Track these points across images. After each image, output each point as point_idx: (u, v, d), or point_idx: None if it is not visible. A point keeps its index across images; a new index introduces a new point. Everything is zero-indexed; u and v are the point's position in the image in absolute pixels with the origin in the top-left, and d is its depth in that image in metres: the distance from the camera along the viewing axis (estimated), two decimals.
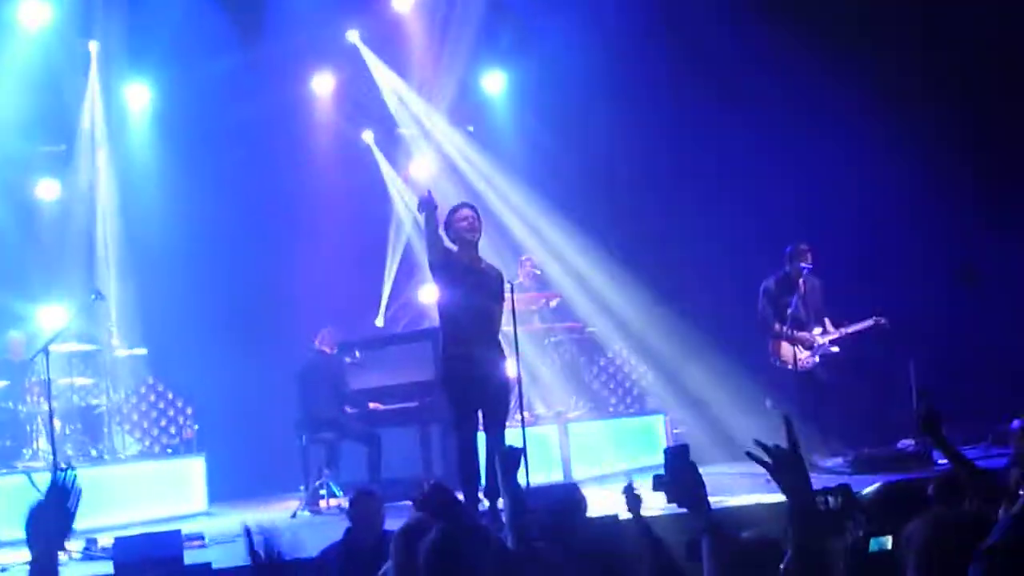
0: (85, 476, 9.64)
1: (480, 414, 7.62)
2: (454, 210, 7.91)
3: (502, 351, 7.77)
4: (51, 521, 2.93)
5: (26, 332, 10.97)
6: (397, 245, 13.45)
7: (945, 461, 3.89)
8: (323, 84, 13.53)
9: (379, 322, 12.85)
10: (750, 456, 2.81)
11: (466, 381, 7.52)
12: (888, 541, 3.05)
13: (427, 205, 7.56)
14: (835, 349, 9.96)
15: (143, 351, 11.22)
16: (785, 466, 2.76)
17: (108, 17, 11.93)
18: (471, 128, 14.03)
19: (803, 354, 9.84)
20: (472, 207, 7.99)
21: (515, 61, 13.66)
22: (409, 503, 7.27)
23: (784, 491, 2.75)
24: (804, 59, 11.41)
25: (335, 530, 6.34)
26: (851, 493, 3.80)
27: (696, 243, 12.54)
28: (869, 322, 9.90)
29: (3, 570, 6.29)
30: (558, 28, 12.88)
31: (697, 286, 12.43)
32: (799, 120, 11.71)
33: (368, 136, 13.88)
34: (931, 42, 11.42)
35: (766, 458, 2.77)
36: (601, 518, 6.90)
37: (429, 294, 11.09)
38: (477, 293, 7.58)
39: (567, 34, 12.79)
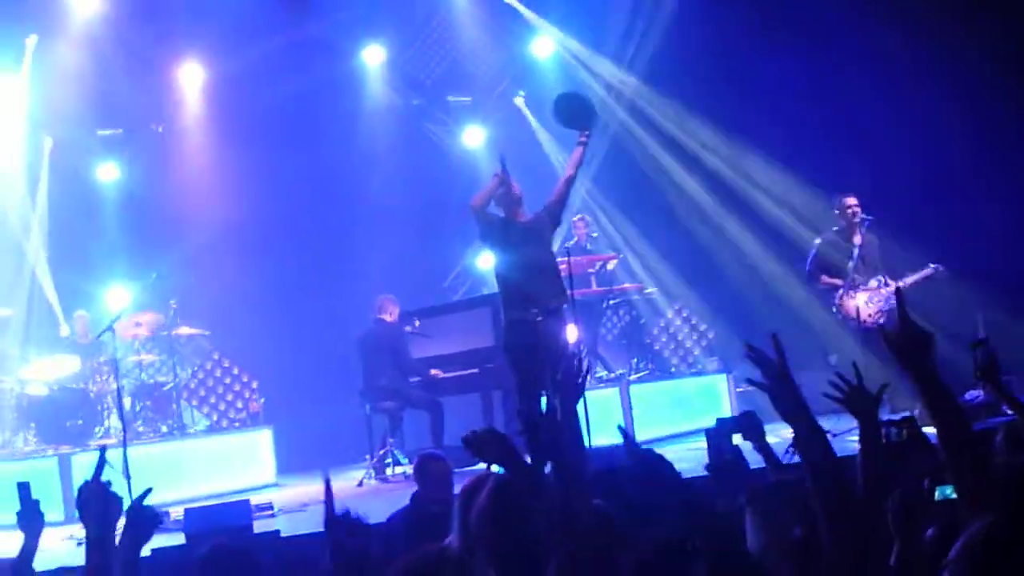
0: (156, 452, 9.80)
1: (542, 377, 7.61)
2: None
3: (564, 299, 7.66)
4: (100, 504, 3.16)
5: (92, 313, 11.19)
6: (454, 213, 13.46)
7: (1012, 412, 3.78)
8: (373, 56, 13.54)
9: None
10: (827, 396, 2.99)
11: (527, 345, 7.51)
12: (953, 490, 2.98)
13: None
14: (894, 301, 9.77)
15: (206, 332, 11.39)
16: (858, 402, 2.98)
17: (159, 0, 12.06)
18: (522, 93, 13.98)
19: (870, 308, 9.67)
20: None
21: (562, 25, 13.53)
22: (474, 468, 7.34)
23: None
24: (864, 4, 11.18)
25: (401, 498, 6.38)
26: (916, 425, 3.70)
27: (756, 198, 12.41)
28: (927, 271, 9.68)
29: (79, 543, 6.45)
30: None
31: (756, 242, 12.32)
32: (860, 69, 11.48)
33: (419, 105, 13.88)
34: None
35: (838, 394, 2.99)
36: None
37: (485, 261, 11.10)
38: (529, 247, 7.55)
39: None
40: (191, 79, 12.85)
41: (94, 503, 3.28)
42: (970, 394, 9.44)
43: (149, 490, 3.49)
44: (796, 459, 2.90)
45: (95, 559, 3.28)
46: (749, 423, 4.20)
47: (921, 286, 9.70)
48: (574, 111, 7.68)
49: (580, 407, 7.54)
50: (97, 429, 10.19)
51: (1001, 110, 11.01)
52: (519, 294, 7.52)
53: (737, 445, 3.44)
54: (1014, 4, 10.83)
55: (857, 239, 9.63)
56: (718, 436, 3.26)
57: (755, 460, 4.56)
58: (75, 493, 3.31)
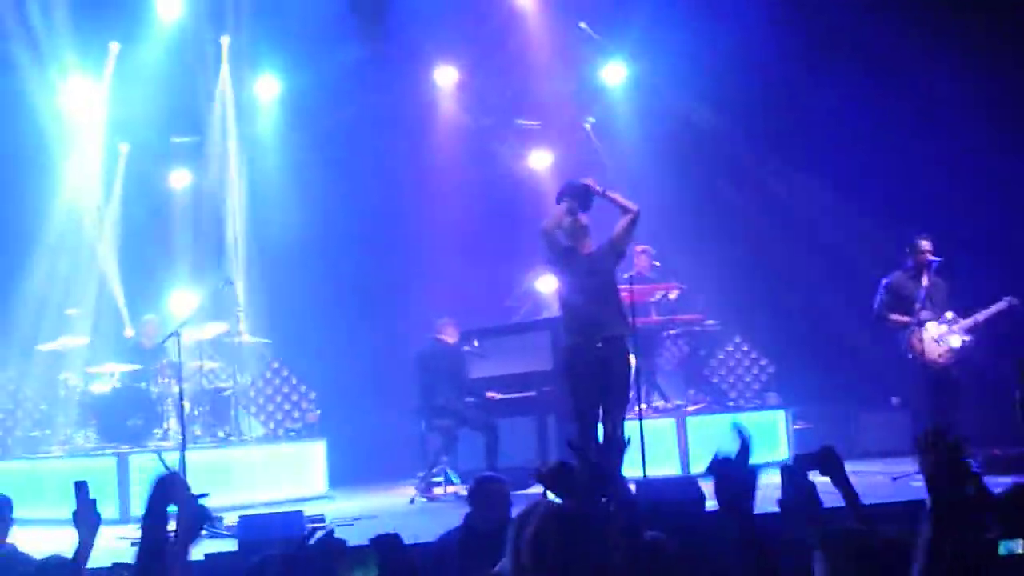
0: (212, 457, 9.90)
1: (600, 404, 7.58)
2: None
3: (626, 328, 7.66)
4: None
5: (159, 316, 11.37)
6: (517, 235, 13.45)
7: None
8: (445, 76, 13.64)
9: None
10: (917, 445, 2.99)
11: (586, 372, 7.50)
12: (1019, 544, 2.91)
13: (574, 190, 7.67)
14: (967, 339, 9.52)
15: (268, 341, 11.53)
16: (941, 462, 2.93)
17: (238, 11, 12.26)
18: (592, 119, 13.94)
19: (939, 348, 9.46)
20: (592, 184, 7.93)
21: (636, 52, 13.50)
22: (527, 491, 7.31)
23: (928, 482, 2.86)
24: (940, 42, 11.06)
25: (451, 517, 6.37)
26: (982, 482, 3.58)
27: (824, 234, 12.28)
28: (1002, 304, 9.46)
29: (133, 543, 6.51)
30: (680, 18, 12.71)
31: (825, 278, 12.17)
32: (927, 102, 11.35)
33: (487, 126, 13.92)
34: None
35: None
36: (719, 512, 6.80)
37: (547, 284, 11.08)
38: (594, 277, 7.57)
39: (689, 23, 12.61)
40: (267, 90, 13.06)
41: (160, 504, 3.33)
42: None
43: (205, 495, 3.53)
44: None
45: (147, 558, 3.31)
46: (829, 458, 4.10)
47: (995, 320, 9.48)
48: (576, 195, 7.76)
49: (636, 437, 7.54)
50: (156, 431, 10.33)
51: None
52: (581, 320, 7.53)
53: (812, 481, 3.38)
54: None
55: (924, 280, 9.47)
56: (794, 472, 3.20)
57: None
58: (148, 488, 3.35)
